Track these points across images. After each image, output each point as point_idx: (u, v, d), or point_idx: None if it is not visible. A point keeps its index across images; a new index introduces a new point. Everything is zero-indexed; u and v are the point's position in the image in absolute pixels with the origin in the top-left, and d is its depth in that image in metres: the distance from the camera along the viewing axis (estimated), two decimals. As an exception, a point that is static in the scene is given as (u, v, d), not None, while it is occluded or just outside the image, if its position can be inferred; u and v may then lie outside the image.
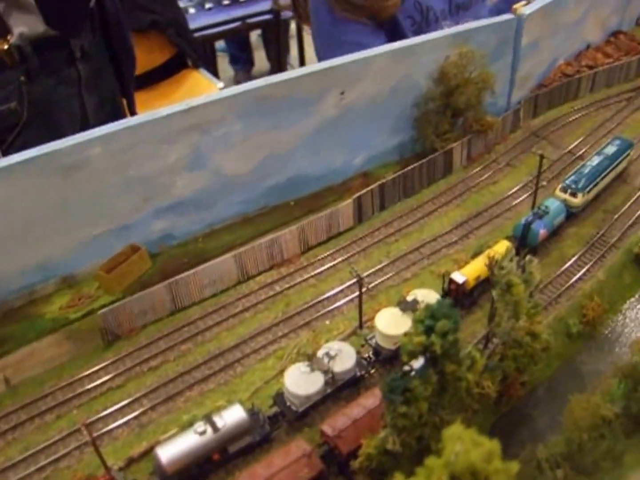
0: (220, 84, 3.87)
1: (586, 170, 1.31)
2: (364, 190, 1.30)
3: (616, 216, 1.33)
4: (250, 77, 5.78)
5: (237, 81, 5.84)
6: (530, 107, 1.59)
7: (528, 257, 0.91)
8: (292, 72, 1.29)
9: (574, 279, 1.21)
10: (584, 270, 1.24)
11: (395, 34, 1.82)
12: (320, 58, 1.91)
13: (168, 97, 4.08)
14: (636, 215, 1.34)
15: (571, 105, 1.68)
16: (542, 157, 1.25)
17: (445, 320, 0.77)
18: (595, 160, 1.35)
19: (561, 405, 0.94)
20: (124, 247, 1.32)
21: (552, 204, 1.24)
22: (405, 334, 0.79)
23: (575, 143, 1.55)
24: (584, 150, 1.52)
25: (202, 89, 4.05)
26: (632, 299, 1.26)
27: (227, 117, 1.25)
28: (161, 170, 1.24)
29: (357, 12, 1.73)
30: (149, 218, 1.29)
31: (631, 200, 1.37)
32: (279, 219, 1.42)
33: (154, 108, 4.09)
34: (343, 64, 1.30)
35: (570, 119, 1.64)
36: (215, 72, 5.13)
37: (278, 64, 4.72)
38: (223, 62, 5.67)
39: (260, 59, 5.61)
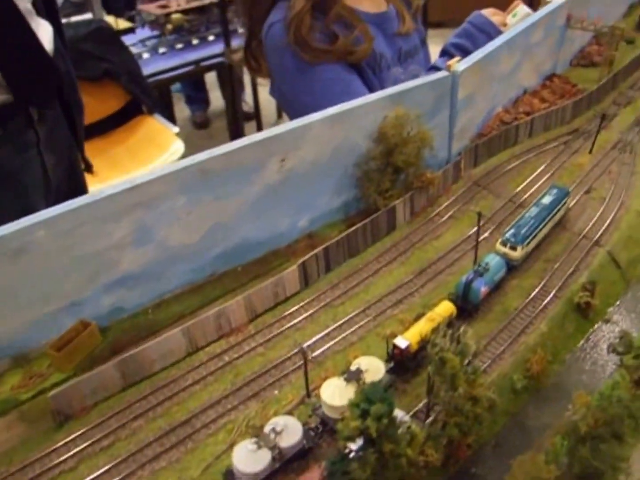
0: (175, 129, 3.90)
1: (525, 223, 1.35)
2: (309, 255, 1.32)
3: (557, 265, 1.37)
4: (206, 117, 5.84)
5: (194, 121, 5.90)
6: (470, 157, 1.63)
7: (462, 328, 0.93)
8: (233, 144, 1.31)
9: (517, 333, 1.24)
10: (526, 323, 1.27)
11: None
12: (291, 106, 1.93)
13: (124, 143, 4.11)
14: (576, 262, 1.38)
15: (511, 152, 1.73)
16: (479, 215, 1.28)
17: (380, 404, 0.79)
18: (534, 211, 1.39)
19: (508, 462, 0.96)
20: (74, 323, 1.32)
21: (492, 260, 1.27)
22: (342, 418, 0.81)
23: (516, 191, 1.59)
24: (524, 197, 1.56)
25: (157, 134, 4.08)
26: (575, 349, 1.30)
27: (171, 192, 1.26)
28: (107, 247, 1.24)
29: (323, 56, 1.77)
30: (98, 294, 1.29)
31: (571, 247, 1.42)
32: (227, 285, 1.42)
33: (110, 155, 4.10)
34: (283, 133, 1.33)
35: (511, 166, 1.68)
36: (171, 115, 5.16)
37: (233, 103, 4.78)
38: (179, 103, 5.72)
39: (216, 98, 5.68)
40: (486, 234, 1.43)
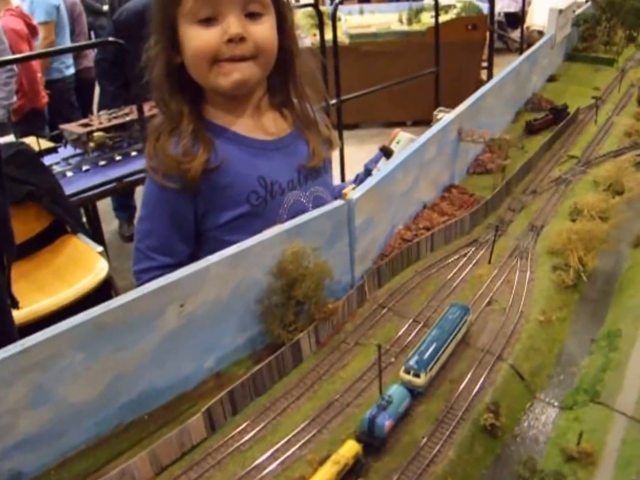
0: (99, 248, 3.88)
1: (426, 347, 1.37)
2: (213, 400, 1.30)
3: (462, 385, 1.39)
4: (133, 230, 5.83)
5: (122, 234, 5.88)
6: (374, 279, 1.67)
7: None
8: (129, 295, 1.30)
9: (426, 463, 1.23)
10: (435, 452, 1.26)
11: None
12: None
13: (49, 265, 4.04)
14: (481, 380, 1.40)
15: (414, 269, 1.78)
16: (379, 347, 1.30)
17: None
18: (435, 333, 1.42)
19: None
20: (-35, 494, 1.25)
21: (396, 392, 1.28)
22: None
23: (420, 310, 1.62)
24: (428, 316, 1.59)
25: (81, 254, 4.04)
26: (484, 471, 1.30)
27: (65, 350, 1.23)
28: (0, 413, 1.19)
29: (168, 180, 1.78)
30: (-6, 460, 1.23)
31: (475, 365, 1.44)
32: (134, 435, 1.37)
33: (34, 278, 4.00)
34: (180, 279, 1.33)
35: (414, 284, 1.72)
36: (99, 231, 5.14)
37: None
38: (107, 206, 5.71)
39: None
40: (392, 359, 1.45)
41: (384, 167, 1.69)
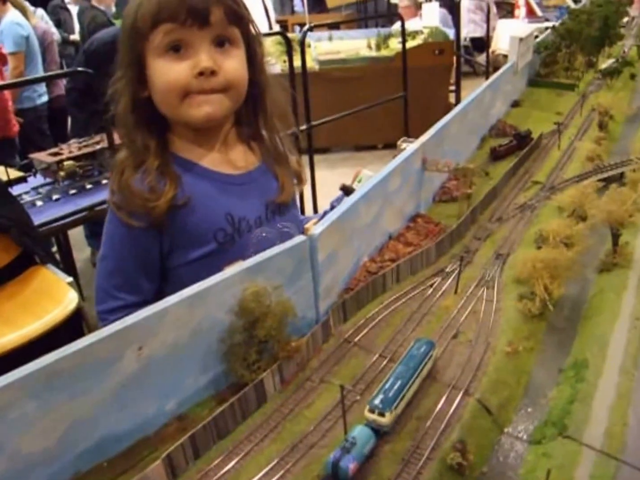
0: (69, 279, 3.79)
1: (391, 385, 1.35)
2: (174, 446, 1.26)
3: (428, 423, 1.37)
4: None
5: (94, 262, 5.80)
6: (339, 313, 1.65)
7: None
8: (85, 340, 1.27)
9: (392, 509, 1.20)
10: (401, 496, 1.24)
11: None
12: None
13: (17, 297, 3.92)
14: (447, 416, 1.38)
15: (380, 301, 1.76)
16: (342, 388, 1.28)
17: None
18: (400, 370, 1.40)
19: None
20: None
21: (360, 433, 1.25)
22: None
23: (386, 344, 1.60)
24: (394, 350, 1.58)
25: (50, 285, 3.94)
26: (454, 511, 1.28)
27: (17, 399, 1.18)
28: (-52, 467, 1.14)
29: (133, 218, 1.74)
30: (-59, 521, 1.18)
31: (441, 400, 1.43)
32: (92, 485, 1.34)
33: (2, 311, 3.91)
34: (137, 322, 1.29)
35: (380, 317, 1.70)
36: (71, 261, 5.07)
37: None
38: (79, 234, 5.63)
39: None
40: (357, 397, 1.43)
41: (346, 200, 1.68)
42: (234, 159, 1.94)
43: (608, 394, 1.45)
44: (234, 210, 1.85)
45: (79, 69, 4.44)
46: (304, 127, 5.36)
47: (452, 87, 8.69)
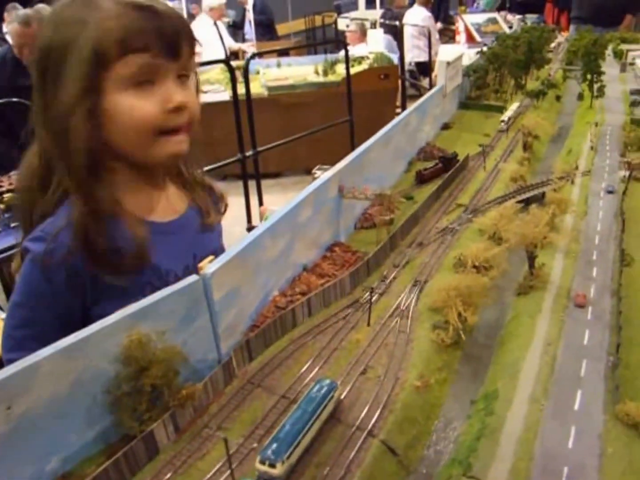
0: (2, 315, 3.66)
1: (286, 433, 1.27)
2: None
3: (326, 470, 1.29)
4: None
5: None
6: (243, 353, 1.56)
7: None
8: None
9: None
10: None
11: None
12: None
13: None
14: (347, 461, 1.31)
15: (290, 337, 1.69)
16: (226, 441, 1.19)
17: None
18: (296, 415, 1.32)
19: None
20: None
21: (247, 489, 1.17)
22: None
23: (290, 384, 1.53)
24: (299, 390, 1.49)
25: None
26: None
27: None
28: None
29: (55, 270, 1.57)
30: None
31: (343, 444, 1.35)
32: None
33: None
34: (3, 379, 1.20)
35: (288, 355, 1.63)
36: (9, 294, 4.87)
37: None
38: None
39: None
40: (255, 444, 1.34)
41: (246, 236, 1.61)
42: (168, 201, 1.75)
43: (516, 426, 1.40)
44: (161, 261, 1.68)
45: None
46: (249, 153, 5.30)
47: (399, 110, 8.76)
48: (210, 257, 1.52)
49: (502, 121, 3.56)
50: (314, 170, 2.21)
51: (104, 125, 1.48)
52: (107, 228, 1.53)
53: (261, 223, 1.92)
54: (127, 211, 1.59)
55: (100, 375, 1.33)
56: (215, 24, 9.44)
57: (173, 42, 1.46)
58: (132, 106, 1.45)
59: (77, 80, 1.42)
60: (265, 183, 5.82)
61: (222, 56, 8.67)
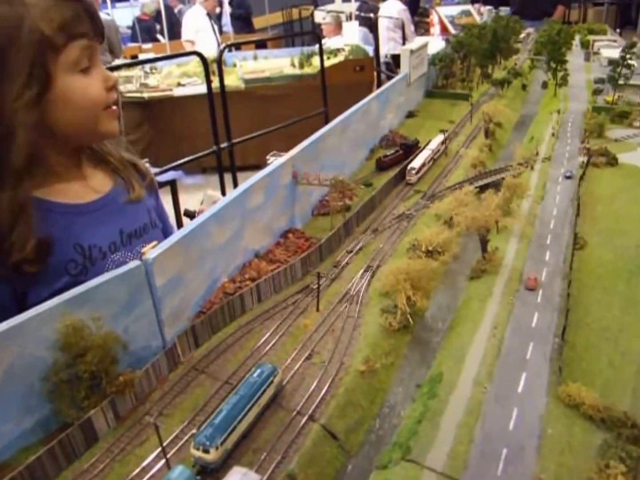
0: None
1: (222, 418, 1.26)
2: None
3: (263, 455, 1.28)
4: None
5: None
6: (189, 339, 1.55)
7: None
8: None
9: None
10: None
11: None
12: None
13: None
14: (286, 446, 1.30)
15: (238, 323, 1.68)
16: (156, 426, 1.18)
17: None
18: (233, 401, 1.31)
19: None
20: None
21: (179, 475, 1.15)
22: None
23: (234, 370, 1.52)
24: (242, 376, 1.48)
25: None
26: None
27: None
28: None
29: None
30: None
31: (282, 429, 1.34)
32: None
33: None
34: None
35: (234, 341, 1.62)
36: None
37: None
38: None
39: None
40: (194, 430, 1.33)
41: (190, 223, 1.59)
42: (90, 183, 1.80)
43: (458, 409, 1.40)
44: (82, 239, 1.70)
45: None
46: (224, 144, 5.25)
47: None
48: (154, 243, 1.51)
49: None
50: (268, 157, 2.19)
51: (48, 112, 1.53)
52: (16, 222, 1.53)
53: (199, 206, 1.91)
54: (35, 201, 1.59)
55: (37, 363, 1.31)
56: (208, 14, 9.35)
57: (100, 27, 1.58)
58: (85, 86, 1.56)
59: (23, 70, 1.46)
60: (244, 175, 5.78)
61: (215, 46, 8.58)
